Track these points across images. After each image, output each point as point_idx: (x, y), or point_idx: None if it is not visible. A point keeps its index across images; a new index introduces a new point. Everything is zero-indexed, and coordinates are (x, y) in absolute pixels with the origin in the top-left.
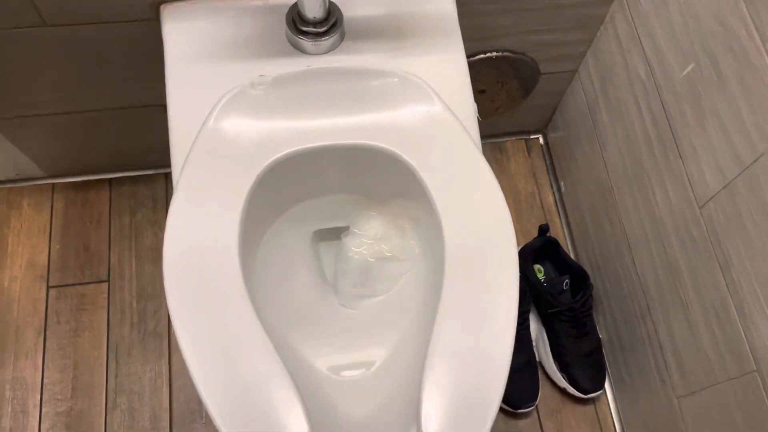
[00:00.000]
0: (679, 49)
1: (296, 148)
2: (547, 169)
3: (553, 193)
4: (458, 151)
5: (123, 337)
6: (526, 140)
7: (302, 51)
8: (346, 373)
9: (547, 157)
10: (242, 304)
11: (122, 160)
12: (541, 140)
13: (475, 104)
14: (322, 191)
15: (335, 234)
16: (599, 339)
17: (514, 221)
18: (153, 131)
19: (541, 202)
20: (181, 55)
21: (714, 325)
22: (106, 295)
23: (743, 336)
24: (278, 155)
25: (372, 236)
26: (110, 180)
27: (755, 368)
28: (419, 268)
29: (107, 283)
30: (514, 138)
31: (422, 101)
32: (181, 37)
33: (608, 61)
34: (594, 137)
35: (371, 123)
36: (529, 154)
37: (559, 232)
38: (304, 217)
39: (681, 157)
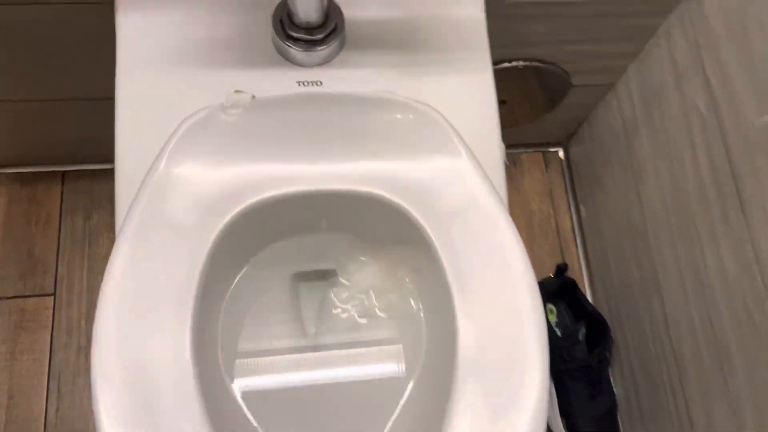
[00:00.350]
0: (758, 89)
1: (274, 193)
2: (566, 189)
3: (571, 216)
4: (484, 221)
5: (68, 362)
6: (544, 153)
7: (291, 61)
8: None
9: (567, 175)
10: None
11: (79, 151)
12: (561, 154)
13: (503, 145)
14: (304, 229)
15: (320, 275)
16: (615, 400)
17: (525, 246)
18: (112, 124)
19: (557, 227)
20: (136, 58)
21: None
22: (50, 312)
23: None
24: (252, 201)
25: (363, 288)
26: (63, 173)
27: None
28: (417, 331)
29: (53, 297)
30: (531, 150)
31: (443, 151)
32: (137, 34)
33: (657, 81)
34: (628, 165)
35: (376, 171)
36: (546, 169)
37: (574, 263)
38: (281, 258)
39: (746, 218)
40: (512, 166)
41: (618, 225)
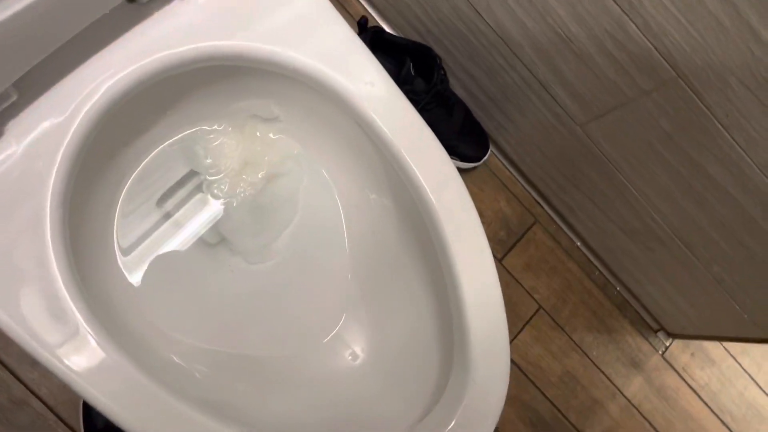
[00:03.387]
0: None
1: None
2: None
3: None
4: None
5: None
6: None
7: None
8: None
9: None
10: None
11: None
12: None
13: None
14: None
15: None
16: (464, 104)
17: None
18: None
19: None
20: None
21: (612, 49)
22: None
23: (651, 48)
24: None
25: (235, 170)
26: None
27: (675, 74)
28: (315, 173)
29: None
30: None
31: None
32: None
33: None
34: None
35: None
36: None
37: (359, 11)
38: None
39: None
40: None
41: None
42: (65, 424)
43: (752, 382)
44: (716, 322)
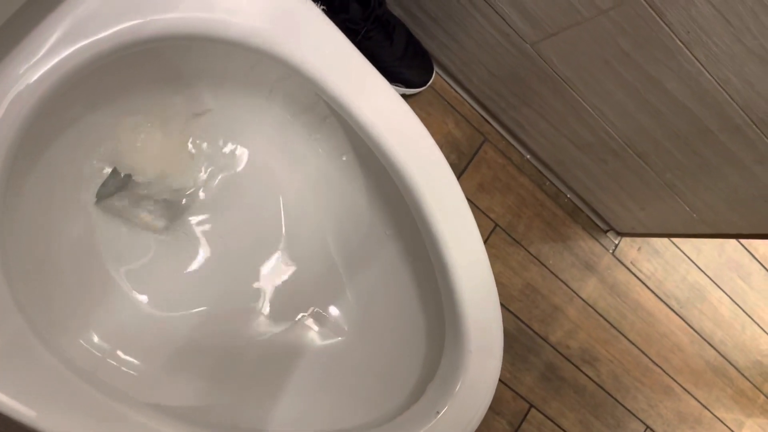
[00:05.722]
0: None
1: None
2: None
3: None
4: None
5: None
6: None
7: None
8: None
9: None
10: None
11: None
12: None
13: None
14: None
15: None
16: (404, 26)
17: None
18: None
19: None
20: None
21: None
22: None
23: None
24: None
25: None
26: None
27: None
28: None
29: None
30: None
31: None
32: None
33: None
34: None
35: None
36: None
37: None
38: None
39: None
40: None
41: None
42: None
43: (693, 265)
44: (665, 222)
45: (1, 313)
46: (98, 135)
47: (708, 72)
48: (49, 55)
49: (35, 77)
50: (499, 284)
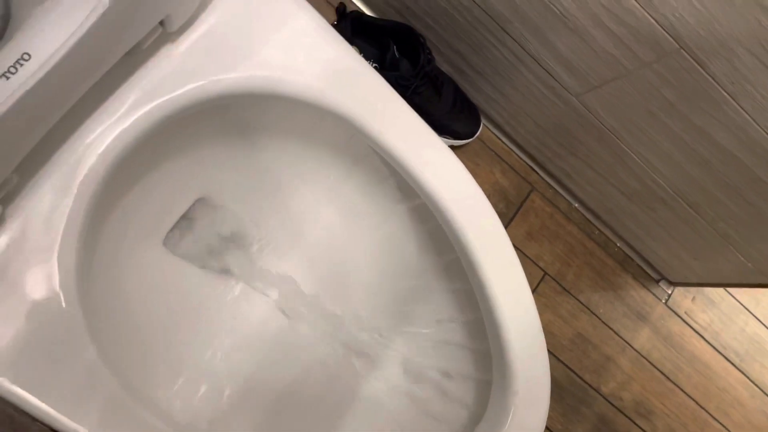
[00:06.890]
0: None
1: None
2: None
3: None
4: None
5: None
6: None
7: None
8: None
9: None
10: None
11: None
12: None
13: None
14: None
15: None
16: (454, 81)
17: None
18: None
19: None
20: None
21: (609, 23)
22: None
23: (653, 21)
24: None
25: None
26: None
27: (678, 46)
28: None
29: None
30: None
31: None
32: None
33: None
34: None
35: None
36: None
37: None
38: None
39: None
40: None
41: None
42: None
43: (752, 316)
44: (719, 271)
45: (93, 376)
46: (177, 180)
47: (755, 121)
48: (129, 112)
49: (118, 131)
50: (549, 333)
